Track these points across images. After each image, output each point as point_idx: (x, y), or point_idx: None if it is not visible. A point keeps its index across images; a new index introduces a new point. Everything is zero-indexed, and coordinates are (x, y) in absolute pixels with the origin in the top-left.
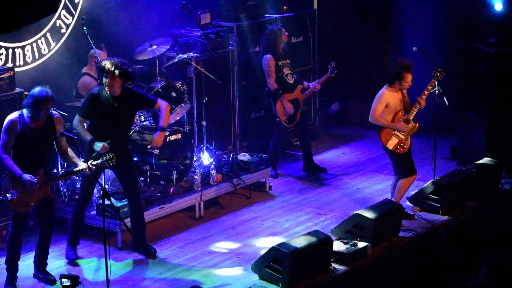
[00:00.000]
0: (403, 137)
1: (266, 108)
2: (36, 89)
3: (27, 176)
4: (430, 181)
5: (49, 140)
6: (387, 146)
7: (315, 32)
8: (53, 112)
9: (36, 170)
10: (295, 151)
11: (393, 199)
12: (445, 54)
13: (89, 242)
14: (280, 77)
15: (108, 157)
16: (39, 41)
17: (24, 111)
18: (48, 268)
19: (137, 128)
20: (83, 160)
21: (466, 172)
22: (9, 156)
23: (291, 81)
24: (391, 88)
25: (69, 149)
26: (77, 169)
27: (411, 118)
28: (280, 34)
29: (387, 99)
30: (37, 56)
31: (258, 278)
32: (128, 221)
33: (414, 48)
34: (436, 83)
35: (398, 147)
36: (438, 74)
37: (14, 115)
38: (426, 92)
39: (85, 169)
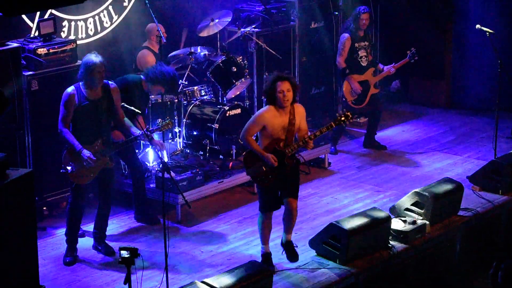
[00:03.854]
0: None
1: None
2: (86, 57)
3: (86, 153)
4: (491, 161)
5: (107, 110)
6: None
7: (377, 7)
8: (110, 82)
9: (95, 141)
10: (354, 128)
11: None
12: (508, 32)
13: None
14: (353, 58)
15: (163, 123)
16: (101, 14)
17: (81, 84)
18: (106, 240)
19: (197, 102)
20: (142, 132)
21: None
22: (69, 129)
23: (364, 64)
24: (271, 108)
25: (125, 119)
26: (134, 136)
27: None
28: (358, 18)
29: (263, 120)
30: (99, 29)
31: (316, 254)
32: (186, 194)
33: (477, 26)
34: (499, 61)
35: (259, 178)
36: (339, 119)
37: (71, 88)
38: (317, 134)
39: (142, 136)
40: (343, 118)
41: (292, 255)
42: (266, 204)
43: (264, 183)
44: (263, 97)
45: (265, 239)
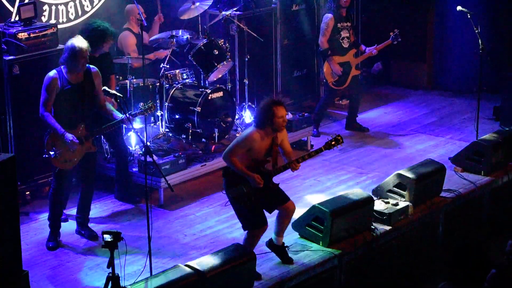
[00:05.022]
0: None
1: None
2: (70, 42)
3: (69, 136)
4: (473, 142)
5: (89, 94)
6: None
7: None
8: (91, 66)
9: (77, 125)
10: (336, 110)
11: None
12: (489, 14)
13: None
14: (335, 39)
15: (145, 107)
16: None
17: (62, 67)
18: (89, 224)
19: (179, 86)
20: (125, 115)
21: (509, 132)
22: (51, 113)
23: (345, 45)
24: (260, 131)
25: (107, 103)
26: (116, 121)
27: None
28: None
29: (252, 143)
30: (80, 13)
31: (299, 236)
32: (168, 178)
33: (458, 7)
34: (480, 41)
35: (240, 200)
36: (330, 143)
37: (53, 72)
38: (306, 158)
39: (124, 120)
40: (333, 143)
41: (287, 258)
42: (254, 222)
43: (246, 204)
44: (254, 120)
45: None
